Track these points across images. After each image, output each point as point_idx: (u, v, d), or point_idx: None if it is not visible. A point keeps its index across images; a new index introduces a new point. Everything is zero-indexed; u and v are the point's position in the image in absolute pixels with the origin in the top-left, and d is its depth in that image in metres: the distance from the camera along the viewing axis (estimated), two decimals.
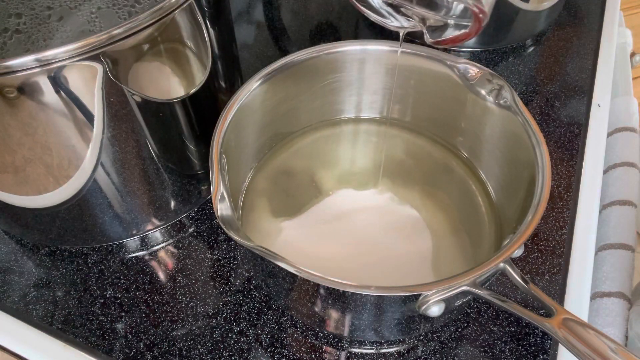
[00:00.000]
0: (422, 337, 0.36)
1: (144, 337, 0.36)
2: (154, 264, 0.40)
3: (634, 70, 0.62)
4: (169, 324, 0.37)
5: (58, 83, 0.28)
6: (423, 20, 0.31)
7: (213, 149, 0.33)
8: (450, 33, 0.30)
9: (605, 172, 0.48)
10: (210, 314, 0.37)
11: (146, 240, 0.41)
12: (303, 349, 0.36)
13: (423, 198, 0.41)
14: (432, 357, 0.36)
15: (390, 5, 0.32)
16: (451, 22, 0.30)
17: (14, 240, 0.42)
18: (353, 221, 0.40)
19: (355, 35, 0.59)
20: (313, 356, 0.36)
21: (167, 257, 0.41)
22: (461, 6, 0.29)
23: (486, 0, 0.26)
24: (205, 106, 0.38)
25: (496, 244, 0.38)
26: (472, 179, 0.42)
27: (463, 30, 0.30)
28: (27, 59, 0.26)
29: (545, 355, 0.35)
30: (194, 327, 0.37)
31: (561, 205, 0.43)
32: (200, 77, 0.36)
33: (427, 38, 0.31)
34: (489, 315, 0.37)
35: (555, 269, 0.39)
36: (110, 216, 0.38)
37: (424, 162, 0.44)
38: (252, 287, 0.39)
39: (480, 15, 0.27)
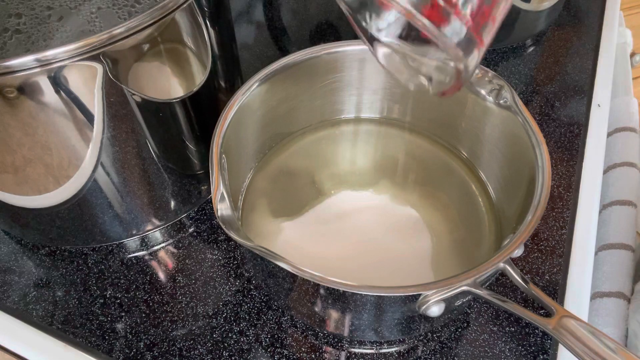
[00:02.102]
0: (422, 337, 0.36)
1: (144, 337, 0.36)
2: (154, 264, 0.40)
3: (634, 70, 0.62)
4: (169, 324, 0.37)
5: (58, 83, 0.28)
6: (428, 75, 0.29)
7: (213, 149, 0.33)
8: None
9: (605, 172, 0.48)
10: (210, 314, 0.37)
11: (146, 240, 0.41)
12: (303, 349, 0.36)
13: (423, 198, 0.41)
14: (432, 357, 0.36)
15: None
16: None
17: (14, 240, 0.42)
18: (353, 221, 0.40)
19: (355, 35, 0.59)
20: (313, 356, 0.36)
21: (167, 257, 0.41)
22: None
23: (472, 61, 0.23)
24: (205, 106, 0.38)
25: (496, 244, 0.38)
26: (472, 179, 0.42)
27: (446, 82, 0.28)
28: (27, 59, 0.26)
29: (545, 355, 0.35)
30: (194, 327, 0.37)
31: (561, 205, 0.43)
32: (200, 77, 0.36)
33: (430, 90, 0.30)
34: (489, 315, 0.37)
35: (555, 269, 0.39)
36: (110, 216, 0.38)
37: (423, 162, 0.44)
38: (252, 287, 0.39)
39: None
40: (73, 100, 0.30)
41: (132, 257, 0.41)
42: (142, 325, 0.37)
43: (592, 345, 0.25)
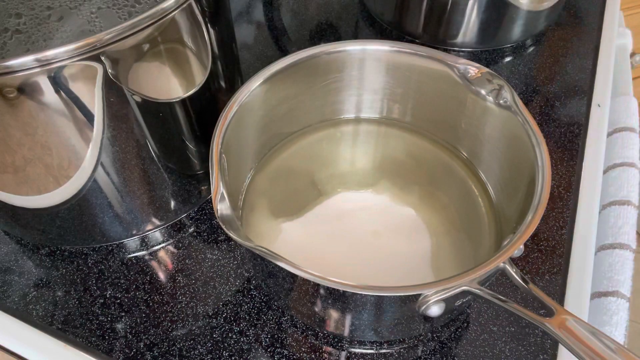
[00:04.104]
0: (422, 337, 0.36)
1: (144, 337, 0.36)
2: (154, 264, 0.40)
3: (634, 70, 0.62)
4: (169, 324, 0.37)
5: (58, 83, 0.28)
6: None
7: (213, 149, 0.33)
8: None
9: (605, 172, 0.48)
10: (210, 314, 0.37)
11: (146, 240, 0.41)
12: (303, 349, 0.36)
13: (423, 198, 0.41)
14: (432, 357, 0.36)
15: None
16: None
17: (14, 240, 0.42)
18: (353, 221, 0.40)
19: (355, 35, 0.59)
20: (313, 356, 0.36)
21: (167, 257, 0.41)
22: None
23: None
24: (205, 106, 0.39)
25: (496, 244, 0.38)
26: (472, 179, 0.42)
27: None
28: (27, 59, 0.26)
29: (545, 355, 0.35)
30: (194, 327, 0.37)
31: (561, 205, 0.43)
32: (200, 77, 0.36)
33: None
34: (489, 315, 0.37)
35: (555, 269, 0.39)
36: (110, 216, 0.38)
37: (423, 162, 0.44)
38: (252, 287, 0.39)
39: None
40: (73, 100, 0.30)
41: (132, 257, 0.41)
42: (142, 325, 0.37)
43: (592, 345, 0.25)
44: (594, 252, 0.42)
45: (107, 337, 0.36)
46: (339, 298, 0.30)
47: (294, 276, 0.29)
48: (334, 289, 0.29)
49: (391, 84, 0.43)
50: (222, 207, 0.30)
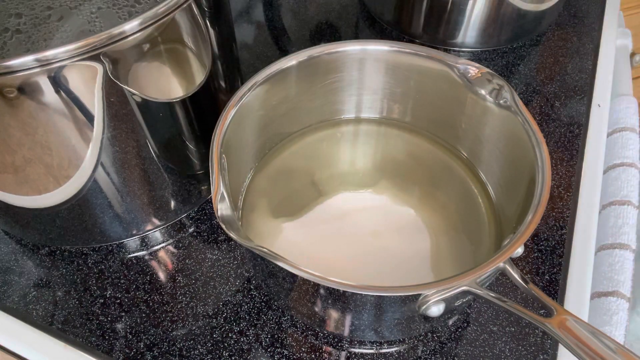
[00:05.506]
0: (422, 337, 0.36)
1: (144, 337, 0.36)
2: (154, 264, 0.40)
3: (634, 70, 0.62)
4: (169, 324, 0.37)
5: (58, 83, 0.28)
6: None
7: (213, 149, 0.33)
8: None
9: (605, 172, 0.48)
10: (210, 314, 0.37)
11: (146, 240, 0.41)
12: (303, 349, 0.36)
13: (423, 198, 0.41)
14: (432, 357, 0.36)
15: None
16: None
17: (14, 240, 0.42)
18: (353, 221, 0.40)
19: (355, 35, 0.59)
20: (313, 356, 0.36)
21: (167, 257, 0.41)
22: None
23: None
24: (205, 106, 0.39)
25: (496, 244, 0.38)
26: (471, 179, 0.42)
27: None
28: (27, 59, 0.26)
29: (545, 355, 0.35)
30: (194, 327, 0.37)
31: (561, 205, 0.43)
32: (200, 77, 0.36)
33: None
34: (489, 315, 0.37)
35: (555, 269, 0.39)
36: (110, 216, 0.38)
37: (423, 163, 0.44)
38: (252, 287, 0.39)
39: None
40: (73, 100, 0.30)
41: (132, 257, 0.41)
42: (142, 325, 0.37)
43: (592, 345, 0.25)
44: (594, 252, 0.42)
45: (107, 337, 0.36)
46: (339, 298, 0.30)
47: (294, 276, 0.29)
48: (334, 289, 0.29)
49: (391, 84, 0.43)
50: (222, 207, 0.30)
